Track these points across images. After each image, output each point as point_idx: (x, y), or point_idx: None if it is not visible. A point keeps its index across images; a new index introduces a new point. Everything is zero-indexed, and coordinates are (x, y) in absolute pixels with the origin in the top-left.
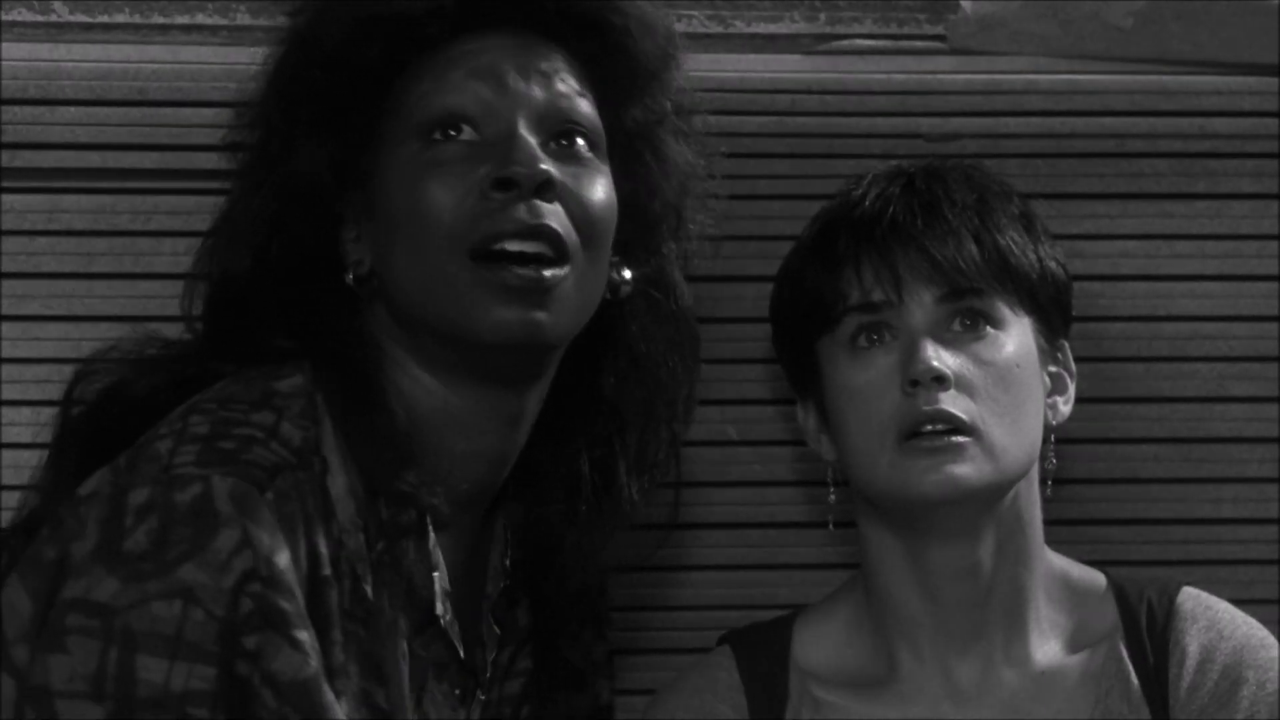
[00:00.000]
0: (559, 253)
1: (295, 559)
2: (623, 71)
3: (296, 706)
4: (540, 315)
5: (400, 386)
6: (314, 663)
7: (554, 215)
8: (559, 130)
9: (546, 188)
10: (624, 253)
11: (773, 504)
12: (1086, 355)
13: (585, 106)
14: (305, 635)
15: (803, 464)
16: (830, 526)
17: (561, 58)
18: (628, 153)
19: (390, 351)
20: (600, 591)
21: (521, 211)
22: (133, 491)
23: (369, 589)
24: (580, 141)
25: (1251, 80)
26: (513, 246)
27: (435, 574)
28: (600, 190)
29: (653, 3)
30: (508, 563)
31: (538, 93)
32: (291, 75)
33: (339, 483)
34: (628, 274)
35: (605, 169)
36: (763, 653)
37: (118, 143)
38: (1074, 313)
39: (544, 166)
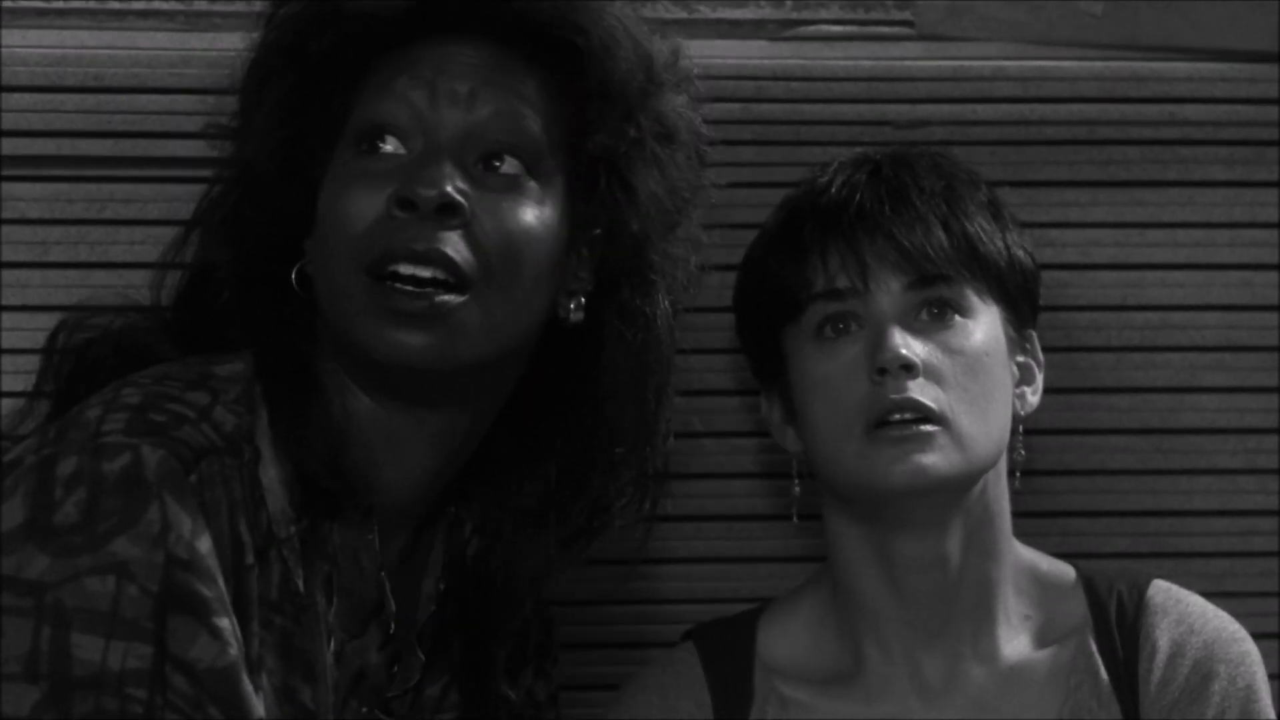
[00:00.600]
0: (456, 279)
1: (218, 545)
2: (589, 93)
3: (214, 695)
4: (430, 340)
5: (335, 391)
6: (233, 652)
7: (452, 241)
8: (487, 151)
9: (447, 211)
10: (597, 280)
11: (737, 496)
12: (1056, 345)
13: (530, 129)
14: (226, 623)
15: (768, 455)
16: (794, 519)
17: (525, 72)
18: (589, 179)
19: (327, 357)
20: (546, 629)
21: (418, 234)
22: (61, 461)
23: (300, 583)
24: (512, 164)
25: (1223, 67)
26: (404, 269)
27: (384, 573)
28: (523, 216)
29: (636, 20)
30: (441, 587)
31: (474, 110)
32: (257, 65)
33: (271, 473)
34: (575, 304)
35: (540, 193)
36: (727, 649)
37: (72, 130)
38: (1043, 302)
39: (448, 189)
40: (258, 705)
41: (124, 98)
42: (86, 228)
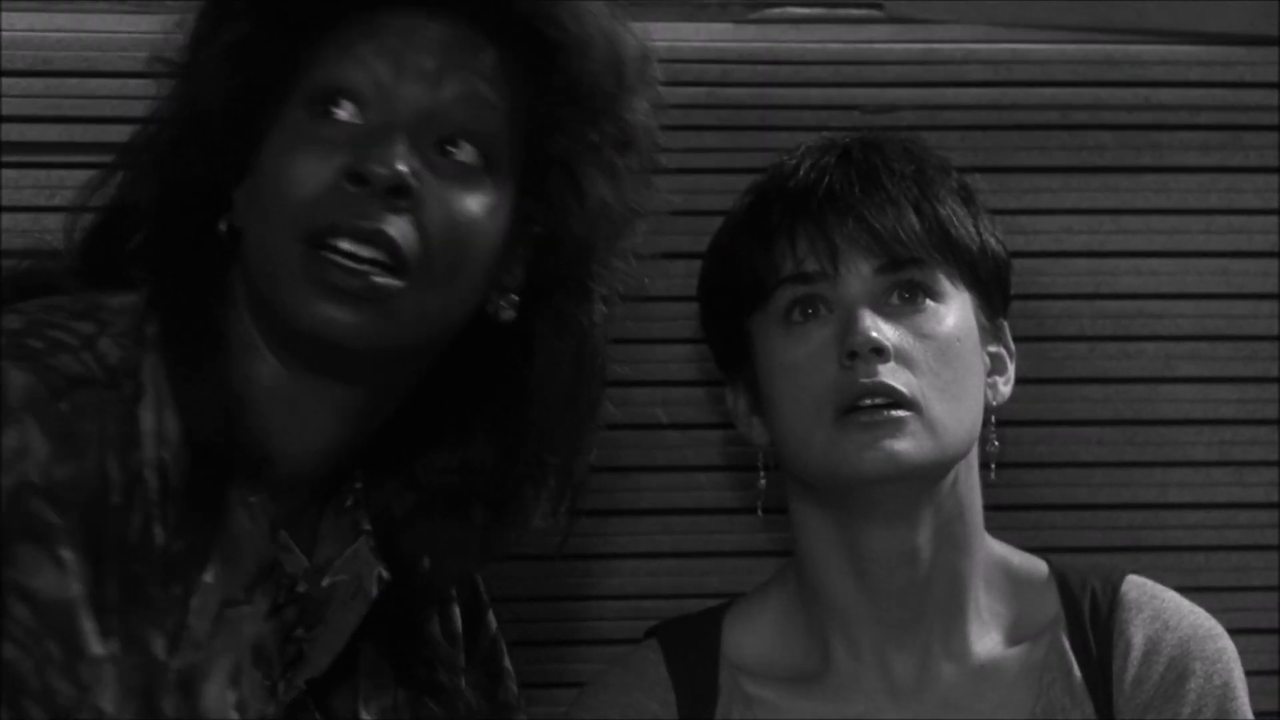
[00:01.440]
0: (396, 263)
1: (81, 477)
2: (557, 92)
3: (52, 627)
4: (360, 320)
5: (240, 348)
6: (76, 587)
7: (398, 224)
8: (445, 135)
9: (399, 193)
10: (532, 281)
11: (703, 489)
12: (1028, 334)
13: (492, 118)
14: (71, 556)
15: (734, 448)
16: (759, 513)
17: (494, 59)
18: (544, 178)
19: (239, 311)
20: (491, 641)
21: (365, 211)
22: None
23: (164, 533)
24: (469, 152)
25: (1198, 50)
26: (345, 245)
27: (278, 540)
28: (472, 208)
29: (612, 17)
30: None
31: (439, 89)
32: (214, 5)
33: (149, 417)
34: (506, 302)
35: (494, 187)
36: (692, 647)
37: (21, 115)
38: (1015, 290)
39: (401, 168)
40: (97, 644)
41: (74, 82)
42: (39, 215)
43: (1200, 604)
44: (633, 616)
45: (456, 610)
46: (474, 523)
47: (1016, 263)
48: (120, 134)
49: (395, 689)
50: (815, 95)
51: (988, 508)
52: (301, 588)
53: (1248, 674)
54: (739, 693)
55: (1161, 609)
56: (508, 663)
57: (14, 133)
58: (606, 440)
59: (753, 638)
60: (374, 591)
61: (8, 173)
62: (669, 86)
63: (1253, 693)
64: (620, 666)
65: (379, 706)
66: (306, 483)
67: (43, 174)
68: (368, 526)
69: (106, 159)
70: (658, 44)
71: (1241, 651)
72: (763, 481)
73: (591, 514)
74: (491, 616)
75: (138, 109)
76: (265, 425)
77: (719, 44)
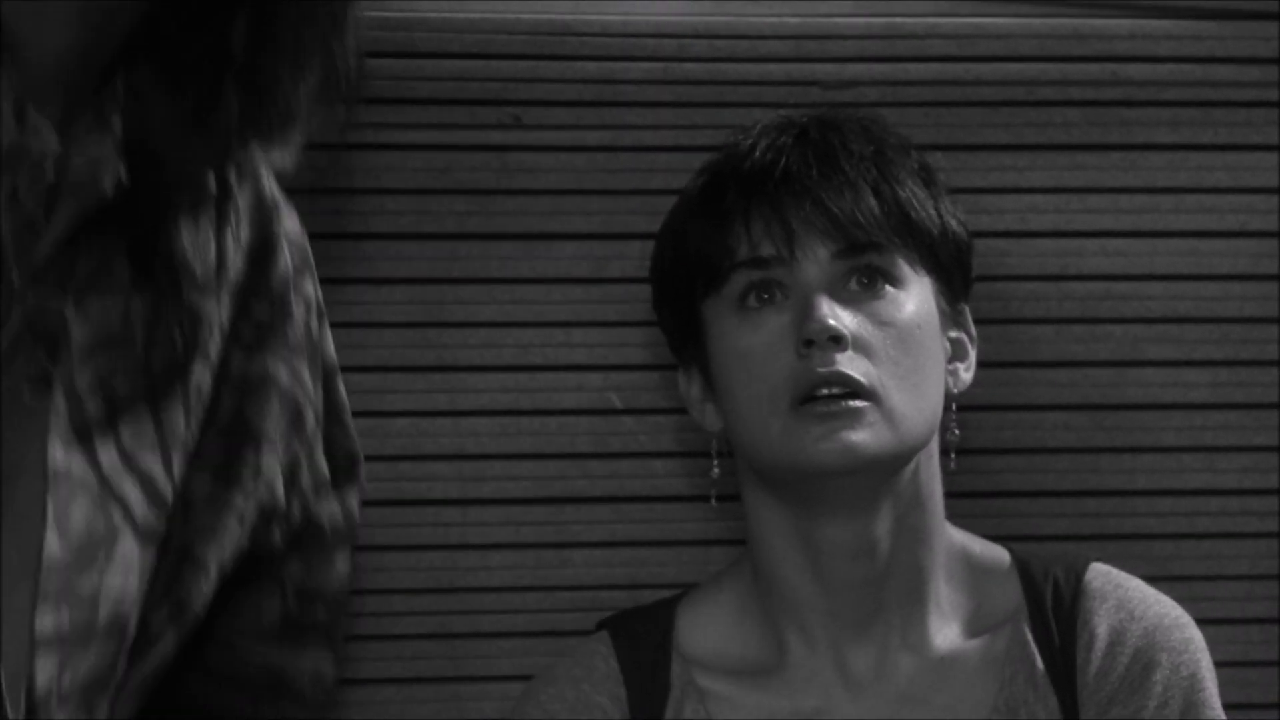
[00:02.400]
0: None
1: None
2: None
3: None
4: None
5: None
6: None
7: None
8: None
9: None
10: None
11: (658, 475)
12: (993, 316)
13: None
14: None
15: (690, 433)
16: (713, 502)
17: None
18: None
19: None
20: (283, 280)
21: None
22: None
23: None
24: None
25: (1167, 24)
26: None
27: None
28: None
29: None
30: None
31: None
32: None
33: None
34: None
35: None
36: (643, 639)
37: None
38: (979, 271)
39: None
40: None
41: None
42: None
43: (1169, 593)
44: (587, 607)
45: (229, 237)
46: (226, 112)
47: (980, 243)
48: None
49: (130, 295)
50: (774, 71)
51: (950, 494)
52: (50, 177)
53: (1218, 665)
54: (692, 686)
55: (1126, 598)
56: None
57: None
58: (558, 426)
59: (706, 630)
60: (108, 190)
61: None
62: (623, 61)
63: (1223, 684)
64: (568, 660)
65: (100, 307)
66: (64, 82)
67: None
68: (119, 128)
69: None
70: (611, 18)
71: (1212, 642)
72: (716, 469)
73: (544, 502)
74: (286, 252)
75: None
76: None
77: (675, 18)
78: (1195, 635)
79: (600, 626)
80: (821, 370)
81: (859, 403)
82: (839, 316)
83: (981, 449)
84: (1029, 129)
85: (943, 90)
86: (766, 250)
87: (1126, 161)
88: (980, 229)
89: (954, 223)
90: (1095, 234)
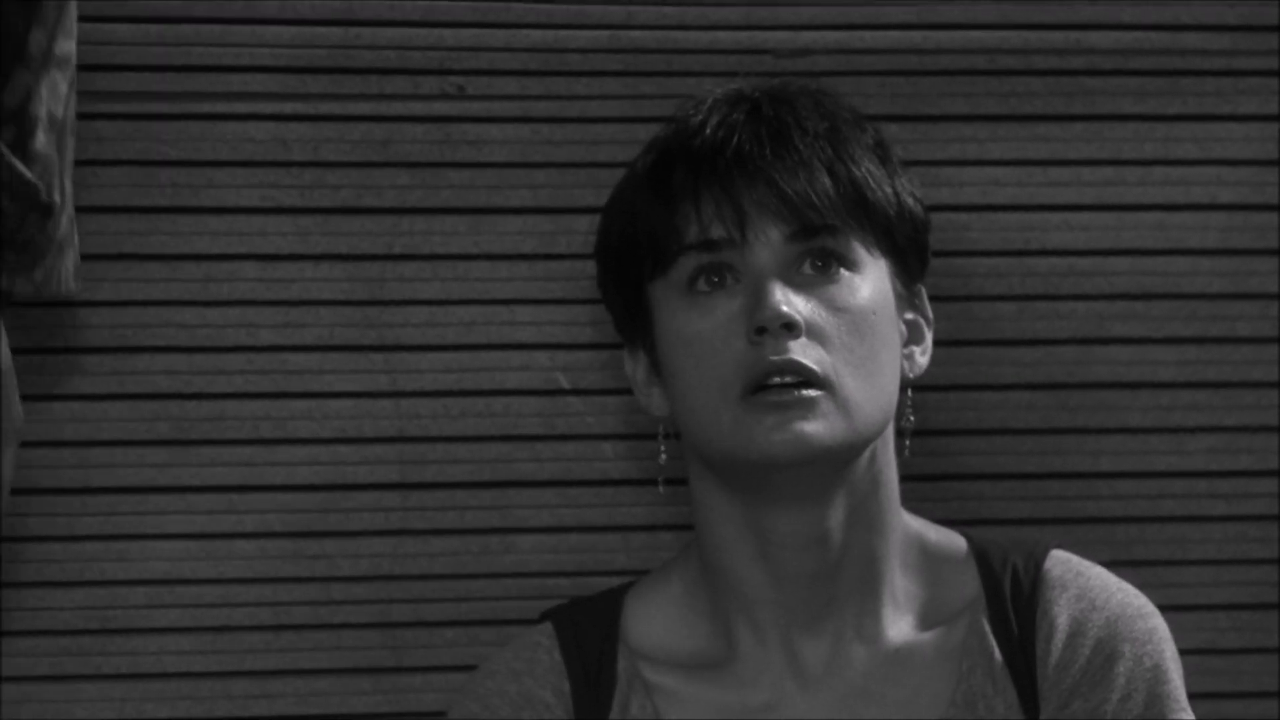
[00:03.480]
0: None
1: None
2: None
3: None
4: None
5: None
6: None
7: None
8: None
9: None
10: None
11: (606, 459)
12: (953, 293)
13: None
14: None
15: (640, 415)
16: (661, 489)
17: None
18: None
19: None
20: None
21: None
22: None
23: None
24: None
25: None
26: None
27: None
28: None
29: None
30: None
31: None
32: None
33: None
34: None
35: None
36: (588, 631)
37: None
38: (940, 246)
39: None
40: None
41: None
42: None
43: (1135, 578)
44: (533, 595)
45: None
46: None
47: (940, 217)
48: None
49: None
50: (724, 39)
51: (908, 477)
52: None
53: (1184, 653)
54: (639, 680)
55: (1087, 587)
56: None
57: None
58: (503, 407)
59: (654, 622)
60: None
61: None
62: (569, 29)
63: (1188, 672)
64: (509, 652)
65: None
66: None
67: None
68: None
69: None
70: None
71: (1179, 629)
72: (663, 456)
73: (489, 486)
74: None
75: None
76: None
77: None
78: (1159, 625)
79: (543, 617)
80: (774, 358)
81: (812, 392)
82: (792, 302)
83: (941, 430)
84: (990, 99)
85: (900, 59)
86: (717, 232)
87: (1091, 132)
88: (940, 203)
89: (910, 201)
90: (1059, 208)
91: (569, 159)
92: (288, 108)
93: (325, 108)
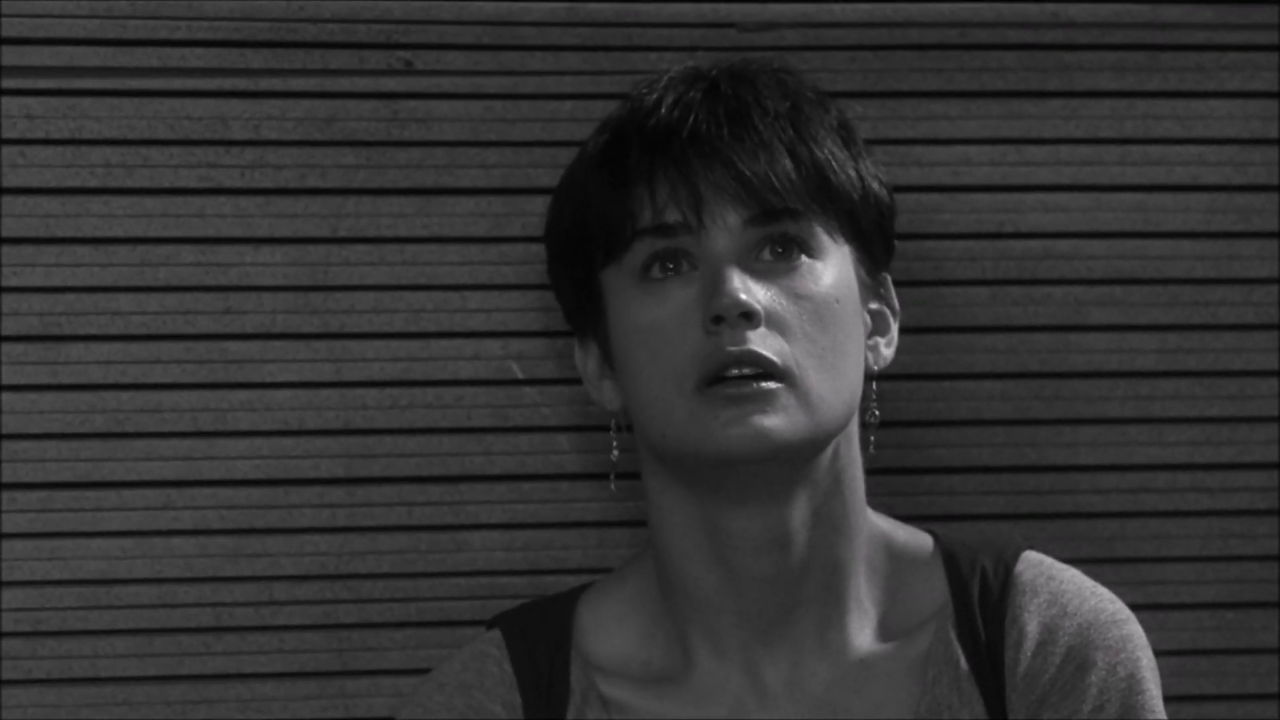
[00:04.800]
0: None
1: None
2: None
3: None
4: None
5: None
6: None
7: None
8: None
9: None
10: None
11: (562, 452)
12: (924, 277)
13: None
14: None
15: (597, 406)
16: (613, 487)
17: None
18: None
19: None
20: None
21: None
22: None
23: None
24: None
25: None
26: None
27: None
28: None
29: None
30: None
31: None
32: None
33: None
34: None
35: None
36: (540, 640)
37: None
38: (910, 228)
39: None
40: None
41: None
42: None
43: (1114, 577)
44: (484, 595)
45: None
46: None
47: (911, 198)
48: None
49: None
50: (687, 11)
51: (875, 471)
52: None
53: (1166, 654)
54: (593, 694)
55: (1059, 591)
56: None
57: None
58: (454, 398)
59: (608, 630)
60: None
61: None
62: (524, 1)
63: (1171, 674)
64: (457, 662)
65: None
66: None
67: None
68: None
69: None
70: None
71: (1161, 630)
72: (616, 452)
73: (439, 480)
74: None
75: None
76: None
77: None
78: (1134, 631)
79: (493, 624)
80: (731, 349)
81: (771, 384)
82: (751, 290)
83: (911, 421)
84: (962, 74)
85: (869, 32)
86: (672, 217)
87: (1068, 109)
88: (910, 183)
89: (876, 185)
90: (1034, 188)
91: (523, 137)
92: (227, 84)
93: (266, 84)
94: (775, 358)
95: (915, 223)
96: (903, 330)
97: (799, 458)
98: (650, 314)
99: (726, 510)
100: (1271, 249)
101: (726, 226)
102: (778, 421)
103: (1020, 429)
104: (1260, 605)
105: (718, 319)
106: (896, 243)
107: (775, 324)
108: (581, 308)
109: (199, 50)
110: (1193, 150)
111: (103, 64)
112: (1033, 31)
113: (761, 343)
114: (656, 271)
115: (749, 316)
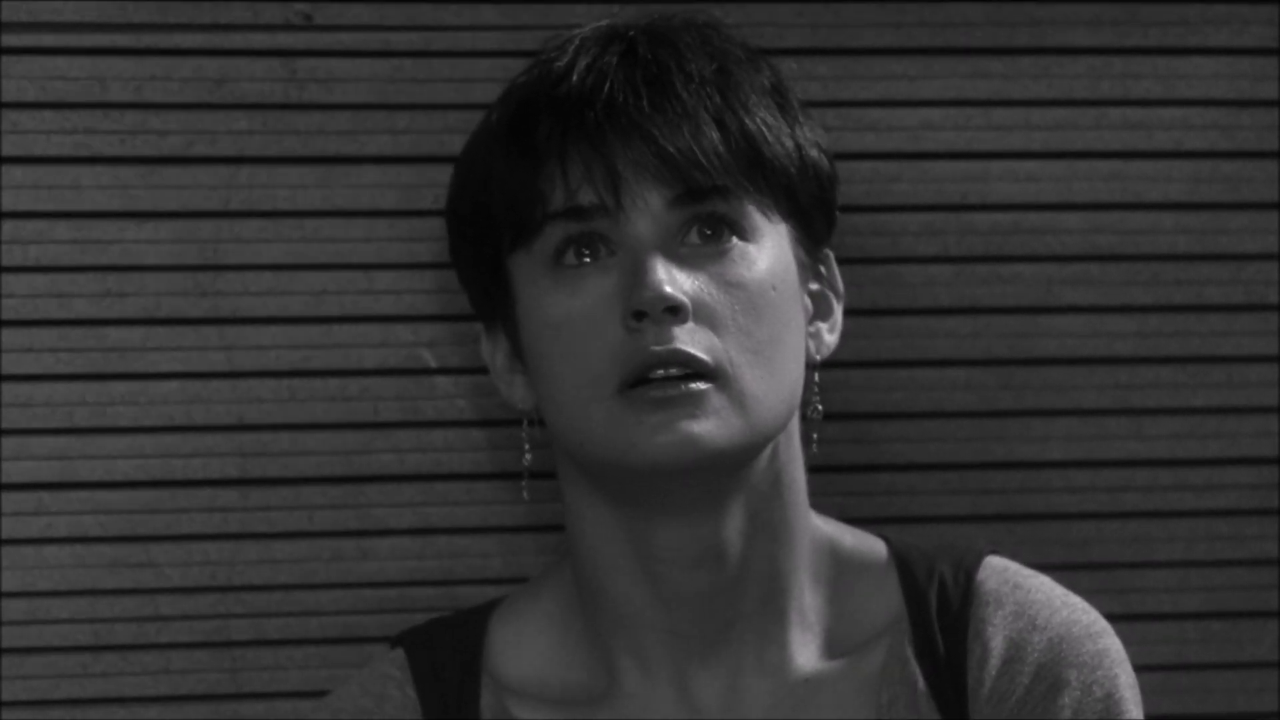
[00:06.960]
0: None
1: None
2: None
3: None
4: None
5: None
6: None
7: None
8: None
9: None
10: None
11: (479, 449)
12: (880, 254)
13: None
14: None
15: (507, 403)
16: (525, 494)
17: None
18: None
19: None
20: None
21: None
22: None
23: None
24: None
25: None
26: None
27: None
28: None
29: None
30: None
31: None
32: None
33: None
34: None
35: None
36: (448, 660)
37: None
38: (865, 200)
39: None
40: None
41: None
42: None
43: (1089, 583)
44: (394, 608)
45: None
46: None
47: (865, 166)
48: None
49: None
50: None
51: (825, 469)
52: None
53: (1147, 669)
54: (507, 718)
55: (1026, 602)
56: None
57: None
58: (359, 389)
59: (523, 649)
60: None
61: None
62: None
63: (1152, 690)
64: (355, 686)
65: None
66: None
67: None
68: None
69: None
70: None
71: (1139, 641)
72: (528, 456)
73: (342, 481)
74: None
75: None
76: None
77: None
78: (1112, 645)
79: (396, 643)
80: (656, 348)
81: (701, 385)
82: (676, 281)
83: (866, 414)
84: (922, 29)
85: None
86: (587, 198)
87: (1039, 68)
88: (865, 150)
89: (815, 153)
90: (1002, 155)
91: (436, 99)
92: (105, 40)
93: (150, 40)
94: (705, 356)
95: (871, 194)
96: (857, 313)
97: (733, 464)
98: (564, 307)
99: (653, 522)
100: (1265, 221)
101: (648, 208)
102: (709, 426)
103: (986, 421)
104: (1250, 615)
105: (640, 314)
106: (850, 216)
107: (704, 317)
108: (488, 296)
109: (74, 2)
110: (1175, 113)
111: None
112: None
113: (689, 339)
114: (570, 259)
115: (675, 310)
